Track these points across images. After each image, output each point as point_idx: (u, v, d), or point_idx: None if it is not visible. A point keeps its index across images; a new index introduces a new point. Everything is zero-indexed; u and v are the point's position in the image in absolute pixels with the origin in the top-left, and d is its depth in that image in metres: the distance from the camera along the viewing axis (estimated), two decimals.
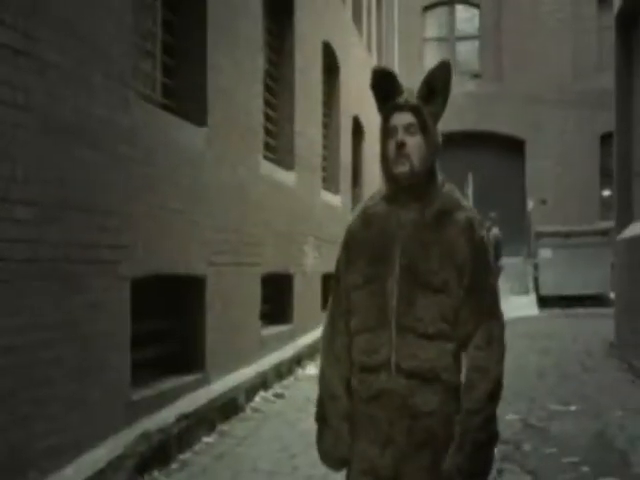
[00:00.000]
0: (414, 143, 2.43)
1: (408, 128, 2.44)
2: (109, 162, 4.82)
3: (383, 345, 2.43)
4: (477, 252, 2.47)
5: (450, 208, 2.49)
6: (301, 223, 10.01)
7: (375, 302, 2.45)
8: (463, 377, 2.49)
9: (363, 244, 2.52)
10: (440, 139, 2.52)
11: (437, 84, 2.48)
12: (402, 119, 2.44)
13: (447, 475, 2.43)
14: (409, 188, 2.47)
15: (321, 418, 2.61)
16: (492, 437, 2.45)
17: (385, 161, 2.49)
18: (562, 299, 17.24)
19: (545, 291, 17.54)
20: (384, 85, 2.50)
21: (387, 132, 2.48)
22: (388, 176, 2.50)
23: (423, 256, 2.43)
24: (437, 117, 2.49)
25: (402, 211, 2.48)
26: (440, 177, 2.54)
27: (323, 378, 2.62)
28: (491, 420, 2.45)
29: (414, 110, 2.45)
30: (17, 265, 3.82)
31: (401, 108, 2.45)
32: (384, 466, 2.44)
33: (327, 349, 2.62)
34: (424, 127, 2.45)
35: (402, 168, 2.43)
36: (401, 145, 2.42)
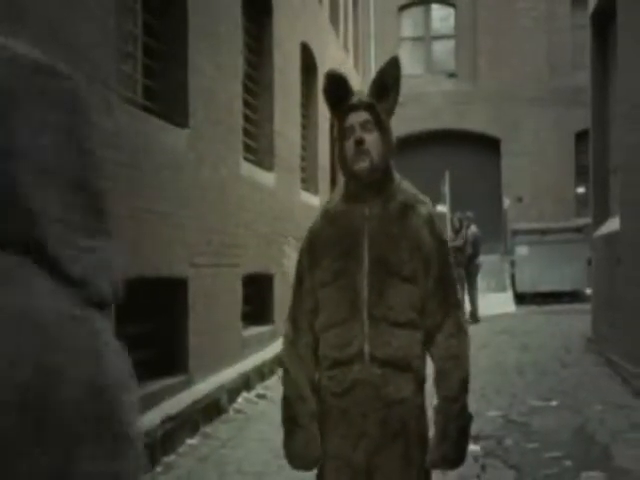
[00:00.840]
0: (372, 139, 2.47)
1: (365, 125, 2.48)
2: None
3: (356, 337, 2.44)
4: (440, 245, 2.54)
5: (412, 202, 2.55)
6: (281, 223, 10.03)
7: (345, 295, 2.47)
8: (433, 367, 2.54)
9: (329, 241, 2.54)
10: (394, 137, 2.57)
11: (388, 80, 2.53)
12: (358, 117, 2.49)
13: (432, 465, 2.50)
14: (369, 185, 2.51)
15: (290, 419, 2.58)
16: (469, 422, 2.53)
17: (344, 161, 2.52)
18: (539, 296, 17.35)
19: (522, 288, 17.64)
20: (336, 89, 2.55)
21: (344, 132, 2.52)
22: (348, 175, 2.54)
23: (392, 247, 2.47)
24: (390, 114, 2.55)
25: (365, 207, 2.52)
26: (396, 174, 2.60)
27: (289, 378, 2.61)
28: (466, 406, 2.52)
29: (368, 108, 2.49)
30: None
31: (356, 107, 2.50)
32: (358, 460, 2.46)
33: (291, 349, 2.62)
34: (380, 124, 2.50)
35: (362, 164, 2.47)
36: (360, 142, 2.46)
